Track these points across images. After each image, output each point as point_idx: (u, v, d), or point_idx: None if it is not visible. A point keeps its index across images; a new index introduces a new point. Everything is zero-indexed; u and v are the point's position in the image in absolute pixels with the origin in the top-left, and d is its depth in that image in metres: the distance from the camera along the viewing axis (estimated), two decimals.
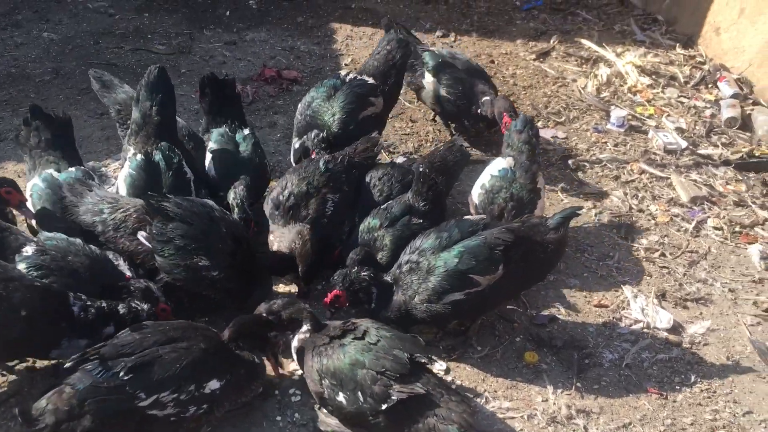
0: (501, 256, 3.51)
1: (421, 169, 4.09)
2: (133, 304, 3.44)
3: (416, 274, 3.58)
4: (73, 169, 4.09)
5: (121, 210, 3.76)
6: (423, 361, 3.16)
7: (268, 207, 4.15)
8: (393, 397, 3.05)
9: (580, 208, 4.07)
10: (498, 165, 4.29)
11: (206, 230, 3.65)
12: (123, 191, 4.02)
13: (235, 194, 4.03)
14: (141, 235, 3.65)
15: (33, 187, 4.00)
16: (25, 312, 3.14)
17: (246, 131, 4.48)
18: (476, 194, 4.27)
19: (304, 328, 3.41)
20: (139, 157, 4.02)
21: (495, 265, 3.51)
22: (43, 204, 3.92)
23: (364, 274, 3.62)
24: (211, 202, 3.81)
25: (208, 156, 4.40)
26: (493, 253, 3.51)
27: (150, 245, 3.61)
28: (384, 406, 3.05)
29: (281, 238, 4.01)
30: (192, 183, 4.10)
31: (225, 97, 4.54)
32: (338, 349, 3.22)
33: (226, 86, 4.57)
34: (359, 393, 3.09)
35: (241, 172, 4.21)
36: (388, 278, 3.68)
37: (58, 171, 4.06)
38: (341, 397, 3.14)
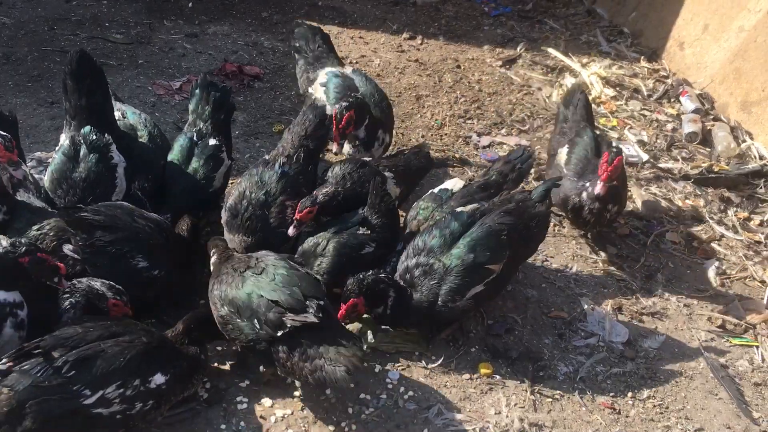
0: (507, 241, 3.62)
1: (376, 180, 3.98)
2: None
3: (431, 276, 3.56)
4: None
5: (36, 227, 3.52)
6: (321, 304, 3.21)
7: (225, 215, 3.96)
8: (287, 325, 3.12)
9: (559, 178, 4.22)
10: (446, 184, 4.25)
11: (135, 230, 3.52)
12: (46, 179, 3.89)
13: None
14: (67, 249, 3.46)
15: None
16: None
17: (212, 141, 4.24)
18: (414, 204, 4.22)
19: (213, 258, 3.52)
20: (66, 142, 3.91)
21: (504, 250, 3.63)
22: None
23: (382, 275, 3.52)
24: (126, 204, 3.70)
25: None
26: (501, 240, 3.60)
27: (79, 258, 3.43)
28: (280, 333, 3.13)
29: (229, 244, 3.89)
30: (120, 169, 3.95)
31: (214, 104, 4.35)
32: (238, 278, 3.31)
33: (216, 92, 4.38)
34: (255, 320, 3.17)
35: (181, 182, 4.10)
36: (399, 281, 3.61)
37: None
38: (240, 324, 3.21)
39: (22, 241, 3.17)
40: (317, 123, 4.16)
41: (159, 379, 3.03)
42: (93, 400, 2.85)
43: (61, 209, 3.51)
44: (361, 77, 4.81)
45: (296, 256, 3.80)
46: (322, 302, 3.23)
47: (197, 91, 4.41)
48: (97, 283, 3.34)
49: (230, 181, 4.70)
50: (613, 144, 4.60)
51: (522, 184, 4.56)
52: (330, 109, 4.38)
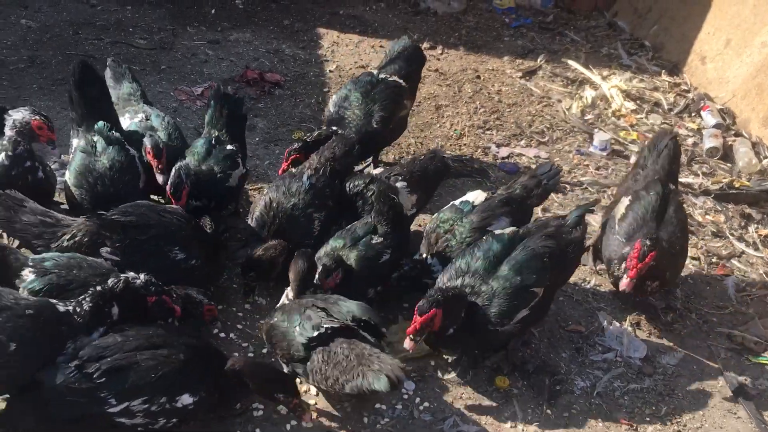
0: (549, 264, 3.56)
1: (380, 189, 3.98)
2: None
3: (480, 297, 3.49)
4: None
5: (67, 236, 3.51)
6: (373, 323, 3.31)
7: (252, 224, 4.03)
8: (324, 325, 3.20)
9: (595, 202, 4.23)
10: (468, 196, 4.16)
11: (165, 224, 3.59)
12: (69, 177, 3.96)
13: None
14: (105, 252, 3.49)
15: None
16: (15, 345, 2.85)
17: (229, 147, 4.32)
18: (433, 217, 4.17)
19: (290, 293, 3.55)
20: (81, 142, 4.02)
21: (547, 273, 3.56)
22: None
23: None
24: (147, 201, 3.81)
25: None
26: (544, 262, 3.55)
27: (118, 259, 3.47)
28: (315, 333, 3.20)
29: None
30: (137, 159, 4.05)
31: (228, 115, 4.44)
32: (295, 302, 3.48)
33: (230, 103, 4.47)
34: (297, 326, 3.27)
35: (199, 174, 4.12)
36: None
37: None
38: (284, 326, 3.31)
39: (154, 281, 3.30)
40: (346, 151, 4.25)
41: (186, 399, 2.99)
42: (118, 410, 2.86)
43: (90, 215, 3.56)
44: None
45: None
46: (368, 321, 3.29)
47: (212, 102, 4.49)
48: (192, 292, 3.49)
49: (252, 187, 4.75)
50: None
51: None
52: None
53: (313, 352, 3.22)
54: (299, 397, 3.19)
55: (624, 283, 3.83)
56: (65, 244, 3.50)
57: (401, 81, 4.84)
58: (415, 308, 3.32)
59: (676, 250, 4.05)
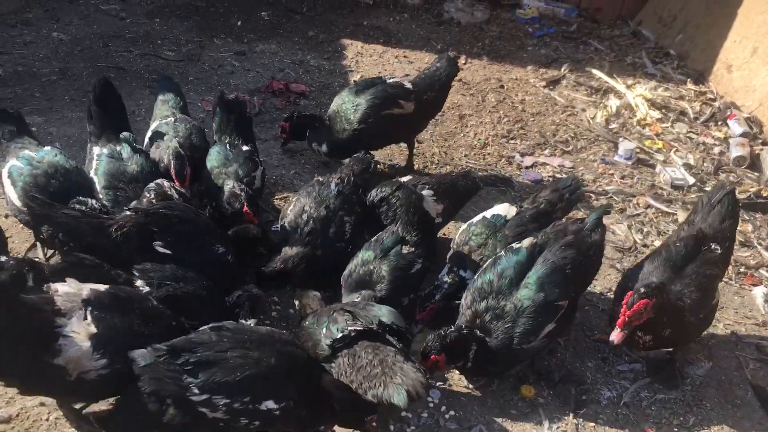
0: (571, 275, 3.53)
1: (410, 199, 4.02)
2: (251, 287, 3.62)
3: (504, 319, 3.47)
4: (48, 147, 4.07)
5: (113, 227, 3.56)
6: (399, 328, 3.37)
7: (282, 230, 4.10)
8: (349, 328, 3.28)
9: (610, 206, 4.12)
10: (497, 209, 4.14)
11: (204, 221, 3.74)
12: (97, 182, 4.02)
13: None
14: (158, 246, 3.56)
15: (11, 167, 3.91)
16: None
17: (245, 147, 4.48)
18: (462, 229, 4.16)
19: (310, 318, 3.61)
20: (105, 150, 4.14)
21: (569, 284, 3.53)
22: (25, 179, 3.83)
23: (464, 331, 3.42)
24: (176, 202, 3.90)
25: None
26: (566, 274, 3.51)
27: (170, 252, 3.55)
28: (339, 335, 3.28)
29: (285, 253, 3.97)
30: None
31: (234, 119, 4.62)
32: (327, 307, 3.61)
33: (235, 107, 4.66)
34: (324, 327, 3.37)
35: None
36: (476, 331, 3.49)
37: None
38: (313, 328, 3.42)
39: None
40: (363, 168, 4.41)
41: (270, 404, 2.94)
42: (200, 399, 2.85)
43: (138, 209, 3.65)
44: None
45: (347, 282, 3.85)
46: (393, 325, 3.34)
47: (217, 110, 4.66)
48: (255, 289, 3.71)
49: (278, 197, 4.81)
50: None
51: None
52: None
53: (339, 354, 3.30)
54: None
55: (612, 334, 3.44)
56: (113, 236, 3.55)
57: (407, 83, 4.97)
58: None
59: (685, 305, 3.58)
